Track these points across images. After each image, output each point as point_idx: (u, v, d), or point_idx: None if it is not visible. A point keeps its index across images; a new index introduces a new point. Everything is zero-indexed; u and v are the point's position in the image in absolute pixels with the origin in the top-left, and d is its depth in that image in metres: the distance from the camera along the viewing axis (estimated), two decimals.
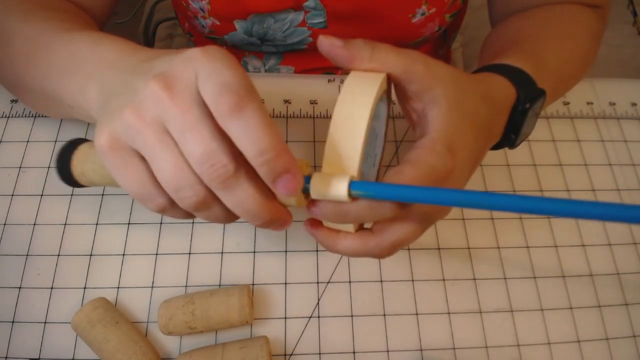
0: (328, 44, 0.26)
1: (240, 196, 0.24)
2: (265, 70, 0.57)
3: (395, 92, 0.29)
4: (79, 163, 0.30)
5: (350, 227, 0.27)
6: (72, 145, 0.31)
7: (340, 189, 0.23)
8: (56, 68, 0.32)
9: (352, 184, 0.24)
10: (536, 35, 0.40)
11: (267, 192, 0.25)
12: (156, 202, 0.25)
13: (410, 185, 0.23)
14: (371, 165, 0.33)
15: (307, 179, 0.25)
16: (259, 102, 0.23)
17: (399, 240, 0.27)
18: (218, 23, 0.49)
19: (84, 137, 0.32)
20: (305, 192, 0.25)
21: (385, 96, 0.29)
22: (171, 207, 0.26)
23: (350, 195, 0.24)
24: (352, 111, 0.25)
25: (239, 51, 0.57)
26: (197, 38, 0.59)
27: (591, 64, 0.43)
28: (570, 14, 0.43)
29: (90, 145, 0.31)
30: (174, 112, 0.23)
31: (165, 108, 0.23)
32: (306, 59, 0.55)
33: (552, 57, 0.37)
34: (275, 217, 0.26)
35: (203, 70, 0.23)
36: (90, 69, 0.30)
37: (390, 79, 0.27)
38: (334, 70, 0.56)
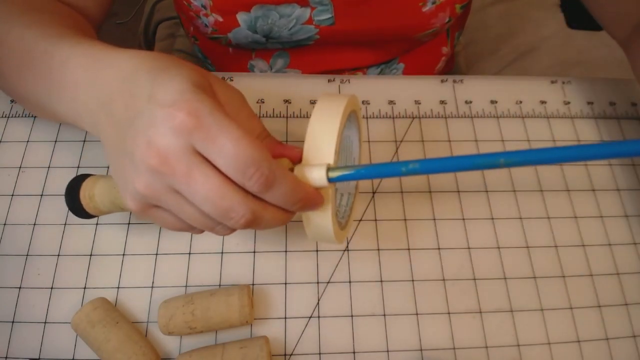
0: None
1: (283, 186, 0.25)
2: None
3: None
4: (85, 197, 0.33)
5: (327, 217, 0.29)
6: (78, 180, 0.33)
7: (320, 174, 0.27)
8: (42, 86, 0.33)
9: (329, 170, 0.27)
10: None
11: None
12: (197, 231, 0.28)
13: (372, 166, 0.27)
14: (342, 218, 0.35)
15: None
16: (276, 165, 0.25)
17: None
18: (221, 19, 0.49)
19: (87, 174, 0.34)
20: None
21: (356, 117, 0.34)
22: (214, 230, 0.28)
23: (328, 179, 0.27)
24: (327, 114, 0.29)
25: (246, 52, 0.56)
26: (202, 42, 0.59)
27: None
28: None
29: (94, 179, 0.33)
30: (181, 183, 0.24)
31: (171, 181, 0.25)
32: (313, 60, 0.55)
33: None
34: (311, 193, 0.28)
35: (202, 144, 0.24)
36: (72, 95, 0.30)
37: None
38: (341, 72, 0.56)
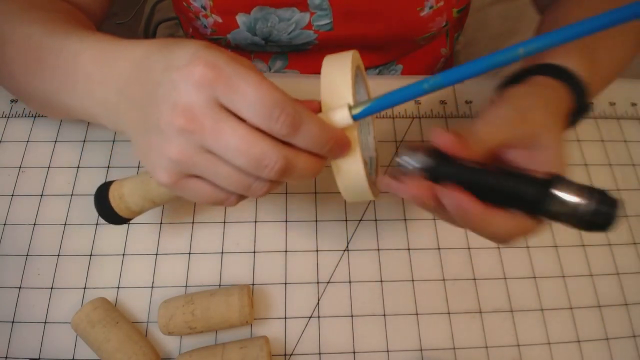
0: (445, 141, 0.26)
1: (311, 126, 0.25)
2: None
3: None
4: (115, 198, 0.33)
5: (358, 161, 0.28)
6: (106, 184, 0.33)
7: (343, 114, 0.27)
8: (52, 83, 0.33)
9: (350, 107, 0.27)
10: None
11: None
12: (233, 199, 0.28)
13: (392, 92, 0.27)
14: (371, 172, 0.34)
15: None
16: (300, 106, 0.25)
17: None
18: (220, 20, 0.49)
19: (109, 181, 0.34)
20: None
21: (361, 74, 0.34)
22: (250, 189, 0.27)
23: (352, 116, 0.27)
24: (336, 65, 0.29)
25: (244, 54, 0.56)
26: None
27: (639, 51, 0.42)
28: None
29: (121, 180, 0.33)
30: (211, 138, 0.24)
31: (200, 139, 0.24)
32: (312, 62, 0.55)
33: (605, 55, 0.37)
34: (339, 133, 0.27)
35: (225, 95, 0.24)
36: (86, 89, 0.30)
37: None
38: None
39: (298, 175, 0.26)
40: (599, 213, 0.25)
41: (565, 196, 0.25)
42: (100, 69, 0.30)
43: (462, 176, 0.26)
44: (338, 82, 0.28)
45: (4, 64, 0.36)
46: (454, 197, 0.26)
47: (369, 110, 0.27)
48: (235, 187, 0.26)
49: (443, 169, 0.27)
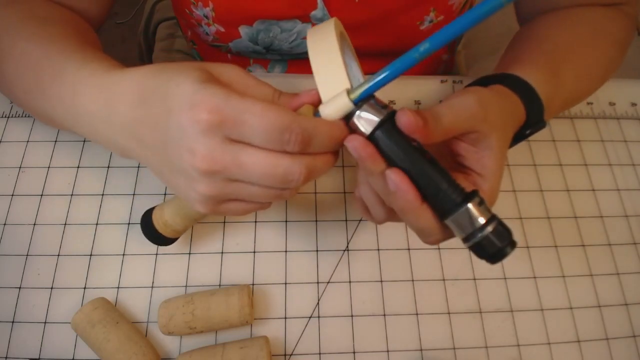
0: (410, 124, 0.26)
1: (321, 136, 0.26)
2: None
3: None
4: (160, 225, 0.35)
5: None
6: (148, 215, 0.35)
7: (343, 101, 0.27)
8: (55, 110, 0.33)
9: (349, 93, 0.27)
10: (560, 45, 0.40)
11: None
12: (268, 205, 0.30)
13: (385, 68, 0.26)
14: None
15: (317, 114, 0.28)
16: (305, 120, 0.26)
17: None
18: (223, 30, 0.49)
19: (150, 208, 0.36)
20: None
21: (347, 42, 0.33)
22: (282, 196, 0.29)
23: (353, 101, 0.27)
24: (321, 44, 0.29)
25: (243, 59, 0.56)
26: (200, 46, 0.59)
27: (613, 71, 0.43)
28: (594, 21, 0.42)
29: (160, 207, 0.35)
30: (235, 172, 0.26)
31: (226, 175, 0.26)
32: (311, 69, 0.55)
33: (571, 74, 0.38)
34: (345, 129, 0.28)
35: (235, 132, 0.25)
36: (91, 126, 0.32)
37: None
38: None
39: (320, 173, 0.28)
40: (491, 242, 0.26)
41: (474, 213, 0.26)
42: (100, 108, 0.30)
43: (403, 153, 0.27)
44: (329, 65, 0.28)
45: (2, 78, 0.36)
46: (399, 175, 0.26)
47: (368, 90, 0.27)
48: (268, 199, 0.28)
49: (389, 139, 0.27)
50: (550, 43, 0.40)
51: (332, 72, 0.28)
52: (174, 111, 0.26)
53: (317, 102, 0.29)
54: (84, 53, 0.33)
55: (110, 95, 0.30)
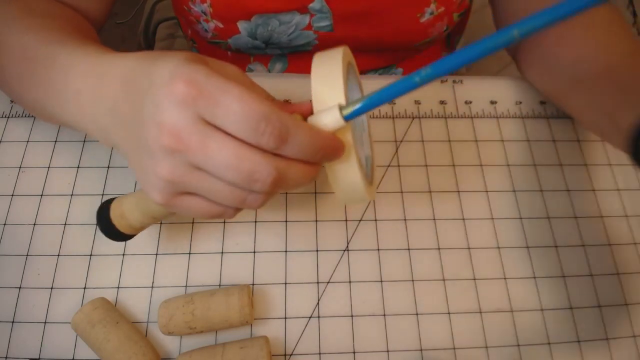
0: None
1: (299, 136, 0.25)
2: None
3: None
4: (117, 217, 0.33)
5: (353, 164, 0.28)
6: (106, 203, 0.33)
7: (334, 115, 0.26)
8: (46, 96, 0.33)
9: (342, 109, 0.27)
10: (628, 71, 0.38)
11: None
12: (230, 212, 0.27)
13: (383, 89, 0.26)
14: (367, 173, 0.34)
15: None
16: (287, 115, 0.24)
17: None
18: (221, 26, 0.49)
19: (109, 199, 0.34)
20: None
21: (354, 71, 0.33)
22: (245, 202, 0.26)
23: (343, 117, 0.26)
24: (327, 63, 0.28)
25: (244, 56, 0.56)
26: (200, 44, 0.59)
27: None
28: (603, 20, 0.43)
29: (120, 198, 0.33)
30: (199, 156, 0.24)
31: (189, 157, 0.24)
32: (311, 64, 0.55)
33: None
34: (330, 138, 0.27)
35: (208, 111, 0.23)
36: (77, 106, 0.31)
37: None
38: None
39: (293, 185, 0.26)
40: None
41: None
42: (90, 87, 0.30)
43: None
44: (328, 80, 0.27)
45: (0, 70, 0.36)
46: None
47: (360, 110, 0.26)
48: (230, 201, 0.26)
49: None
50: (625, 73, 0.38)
51: (330, 87, 0.27)
52: (154, 85, 0.25)
53: (308, 114, 0.28)
54: (81, 40, 0.33)
55: (102, 73, 0.29)
